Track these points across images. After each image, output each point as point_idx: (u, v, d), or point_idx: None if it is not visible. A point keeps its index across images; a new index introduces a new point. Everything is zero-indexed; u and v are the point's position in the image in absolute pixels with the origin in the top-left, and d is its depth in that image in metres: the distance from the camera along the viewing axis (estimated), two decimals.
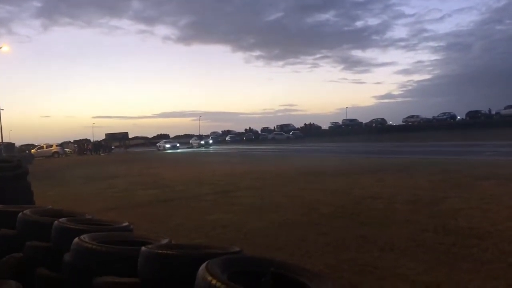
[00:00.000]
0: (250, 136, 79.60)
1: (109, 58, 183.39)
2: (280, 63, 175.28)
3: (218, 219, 7.23)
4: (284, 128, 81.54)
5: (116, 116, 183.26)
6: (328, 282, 1.60)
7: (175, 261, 1.86)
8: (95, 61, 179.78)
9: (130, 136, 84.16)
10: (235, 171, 16.93)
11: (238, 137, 78.36)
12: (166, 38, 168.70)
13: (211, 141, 61.61)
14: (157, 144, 61.33)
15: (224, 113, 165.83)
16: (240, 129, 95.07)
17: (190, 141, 65.81)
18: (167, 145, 56.33)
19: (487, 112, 63.60)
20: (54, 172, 23.16)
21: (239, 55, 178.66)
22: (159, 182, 14.02)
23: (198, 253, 1.98)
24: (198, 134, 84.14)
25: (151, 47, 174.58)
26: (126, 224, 2.96)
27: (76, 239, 2.27)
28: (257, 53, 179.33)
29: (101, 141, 73.53)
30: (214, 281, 1.47)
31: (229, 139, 75.48)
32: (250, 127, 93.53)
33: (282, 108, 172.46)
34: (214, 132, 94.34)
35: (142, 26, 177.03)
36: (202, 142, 60.97)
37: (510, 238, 5.02)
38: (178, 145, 57.40)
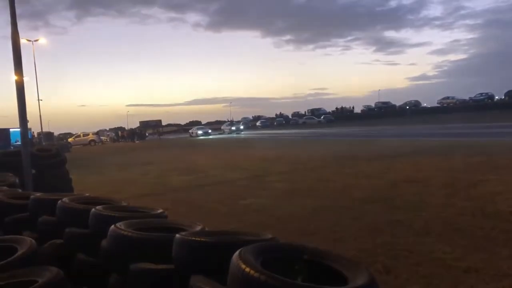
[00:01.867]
0: (281, 121, 79.40)
1: (141, 47, 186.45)
2: (311, 46, 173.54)
3: (251, 203, 7.27)
4: (315, 112, 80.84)
5: (149, 104, 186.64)
6: (364, 271, 1.57)
7: (208, 248, 1.87)
8: (127, 50, 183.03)
9: (163, 123, 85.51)
10: (267, 156, 16.94)
11: (268, 122, 78.31)
12: (196, 25, 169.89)
13: (242, 127, 60.84)
14: (190, 131, 61.56)
15: (254, 98, 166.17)
16: (271, 114, 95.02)
17: (222, 127, 65.98)
18: (199, 132, 56.66)
19: None
20: (91, 160, 23.85)
21: (269, 40, 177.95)
22: (193, 168, 14.21)
23: (231, 240, 1.99)
24: (229, 120, 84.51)
25: (182, 34, 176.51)
26: (160, 210, 3.00)
27: (112, 227, 2.32)
28: (287, 37, 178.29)
29: (135, 128, 75.00)
30: (247, 269, 1.47)
31: (259, 124, 75.53)
32: (280, 112, 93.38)
33: (313, 92, 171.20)
34: (245, 118, 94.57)
35: (173, 14, 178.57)
36: (234, 128, 60.51)
37: None
38: (210, 131, 57.92)
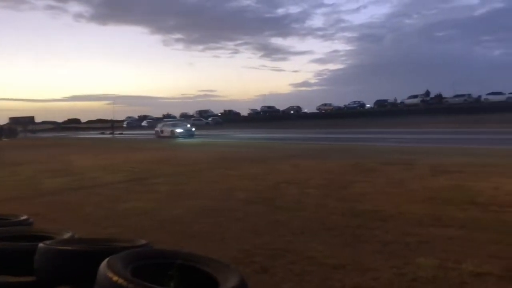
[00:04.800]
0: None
1: (13, 35, 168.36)
2: (200, 47, 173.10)
3: (132, 207, 7.01)
4: (203, 114, 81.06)
5: (21, 99, 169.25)
6: (235, 273, 1.61)
7: (75, 257, 1.75)
8: None
9: (38, 120, 78.63)
10: (152, 157, 16.52)
11: (155, 122, 76.45)
12: (78, 16, 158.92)
13: (194, 128, 38.22)
14: (157, 128, 39.25)
15: (141, 97, 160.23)
16: (158, 114, 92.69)
17: (160, 127, 41.55)
18: (178, 130, 35.99)
19: (393, 101, 68.03)
20: None
21: (158, 38, 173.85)
22: (70, 169, 13.28)
23: (100, 248, 1.89)
24: (112, 119, 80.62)
25: (62, 25, 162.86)
26: (25, 217, 2.75)
27: None
28: (176, 36, 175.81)
29: (4, 125, 67.80)
30: (115, 278, 1.41)
31: (145, 124, 73.42)
32: (168, 113, 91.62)
33: (202, 93, 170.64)
34: (129, 117, 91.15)
35: (52, 2, 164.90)
36: (180, 129, 36.41)
37: (410, 220, 5.43)
38: (193, 129, 37.36)
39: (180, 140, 31.67)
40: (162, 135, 36.30)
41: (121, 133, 52.70)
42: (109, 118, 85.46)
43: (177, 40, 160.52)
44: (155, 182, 9.75)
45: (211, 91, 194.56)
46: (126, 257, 1.60)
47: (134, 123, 79.73)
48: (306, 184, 8.50)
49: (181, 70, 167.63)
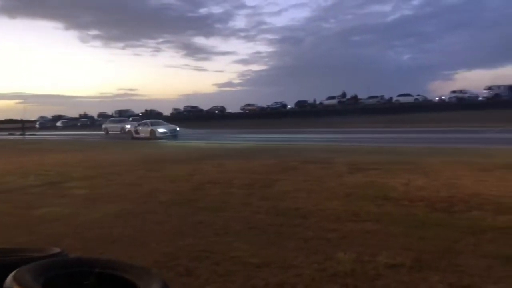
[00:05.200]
0: (86, 121, 74.47)
1: None
2: (120, 44, 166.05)
3: (46, 213, 6.58)
4: (123, 113, 78.13)
5: None
6: (156, 278, 1.56)
7: None
8: None
9: None
10: (67, 160, 15.63)
11: (71, 123, 72.65)
12: None
13: (178, 128, 31.99)
14: (134, 128, 32.45)
15: (55, 96, 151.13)
16: (75, 114, 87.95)
17: (129, 125, 37.28)
18: (161, 130, 30.30)
19: (312, 102, 70.48)
20: None
21: (73, 33, 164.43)
22: None
23: (7, 259, 1.74)
24: (22, 119, 75.17)
25: None
26: None
27: None
28: (94, 32, 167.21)
29: None
30: None
31: (60, 125, 69.42)
32: (85, 112, 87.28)
33: (122, 92, 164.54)
34: (42, 117, 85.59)
35: None
36: (163, 129, 30.62)
37: (330, 217, 5.65)
38: (177, 128, 31.70)
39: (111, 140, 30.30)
40: (137, 136, 30.54)
41: (33, 134, 49.22)
42: (20, 118, 79.76)
43: (95, 36, 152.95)
44: (71, 186, 9.23)
45: (132, 90, 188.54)
46: (36, 268, 1.48)
47: (48, 123, 75.01)
48: (230, 184, 8.52)
49: (99, 68, 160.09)
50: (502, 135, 19.59)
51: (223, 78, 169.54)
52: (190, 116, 70.44)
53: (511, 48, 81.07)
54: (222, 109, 77.52)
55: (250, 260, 4.06)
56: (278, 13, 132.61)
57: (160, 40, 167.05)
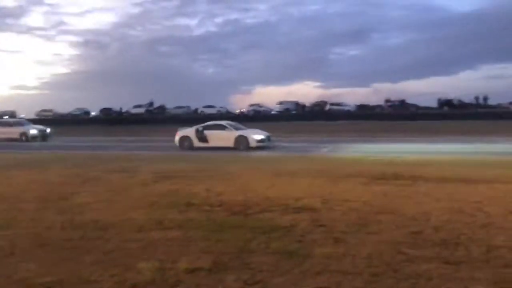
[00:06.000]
0: None
1: None
2: None
3: None
4: None
5: None
6: None
7: None
8: None
9: None
10: None
11: None
12: None
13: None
14: None
15: None
16: None
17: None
18: None
19: (118, 110, 68.20)
20: None
21: None
22: None
23: None
24: None
25: None
26: None
27: None
28: None
29: None
30: None
31: None
32: None
33: None
34: None
35: None
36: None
37: (132, 227, 5.49)
38: None
39: None
40: (198, 145, 19.91)
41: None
42: None
43: None
44: None
45: None
46: None
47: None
48: (20, 198, 7.57)
49: None
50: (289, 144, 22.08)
51: (15, 79, 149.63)
52: None
53: (300, 68, 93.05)
54: (12, 114, 68.66)
55: (40, 280, 3.67)
56: (81, 14, 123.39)
57: None
